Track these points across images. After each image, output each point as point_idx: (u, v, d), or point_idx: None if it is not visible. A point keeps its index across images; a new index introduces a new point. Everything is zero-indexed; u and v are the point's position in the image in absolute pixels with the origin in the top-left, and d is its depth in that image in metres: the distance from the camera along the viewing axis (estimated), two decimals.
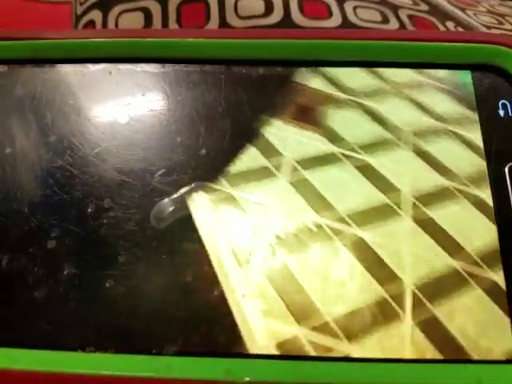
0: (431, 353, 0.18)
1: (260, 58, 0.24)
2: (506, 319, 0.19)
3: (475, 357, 0.18)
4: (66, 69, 0.24)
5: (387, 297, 0.19)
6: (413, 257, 0.20)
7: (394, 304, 0.19)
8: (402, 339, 0.18)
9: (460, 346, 0.18)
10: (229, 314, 0.19)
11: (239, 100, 0.23)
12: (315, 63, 0.24)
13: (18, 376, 0.18)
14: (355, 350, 0.18)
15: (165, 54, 0.24)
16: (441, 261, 0.20)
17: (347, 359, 0.18)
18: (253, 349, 0.18)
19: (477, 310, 0.19)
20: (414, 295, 0.19)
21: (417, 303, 0.19)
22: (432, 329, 0.19)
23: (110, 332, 0.19)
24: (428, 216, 0.21)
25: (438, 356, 0.18)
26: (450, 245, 0.20)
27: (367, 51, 0.24)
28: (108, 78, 0.24)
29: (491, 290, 0.19)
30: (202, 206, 0.21)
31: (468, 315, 0.19)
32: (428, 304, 0.19)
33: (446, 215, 0.21)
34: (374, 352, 0.18)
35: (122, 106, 0.23)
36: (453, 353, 0.18)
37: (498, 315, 0.19)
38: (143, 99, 0.23)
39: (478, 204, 0.21)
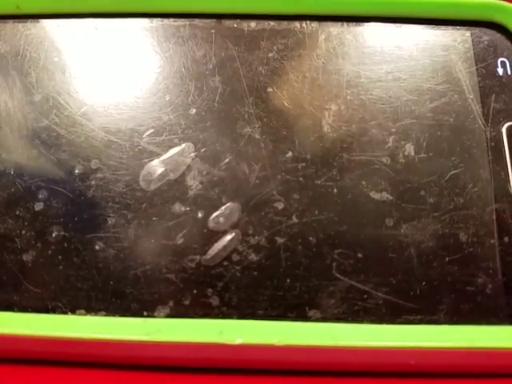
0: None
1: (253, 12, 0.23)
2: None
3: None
4: (51, 24, 0.23)
5: None
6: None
7: None
8: None
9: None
10: (220, 276, 0.19)
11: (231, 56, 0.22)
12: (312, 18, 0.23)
13: (7, 340, 0.17)
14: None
15: (153, 8, 0.23)
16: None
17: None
18: (245, 311, 0.18)
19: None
20: None
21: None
22: None
23: (101, 295, 0.19)
24: None
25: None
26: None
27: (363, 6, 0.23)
28: (94, 34, 0.23)
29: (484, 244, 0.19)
30: None
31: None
32: None
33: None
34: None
35: (109, 63, 0.22)
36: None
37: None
38: (130, 56, 0.23)
39: (476, 163, 0.21)
